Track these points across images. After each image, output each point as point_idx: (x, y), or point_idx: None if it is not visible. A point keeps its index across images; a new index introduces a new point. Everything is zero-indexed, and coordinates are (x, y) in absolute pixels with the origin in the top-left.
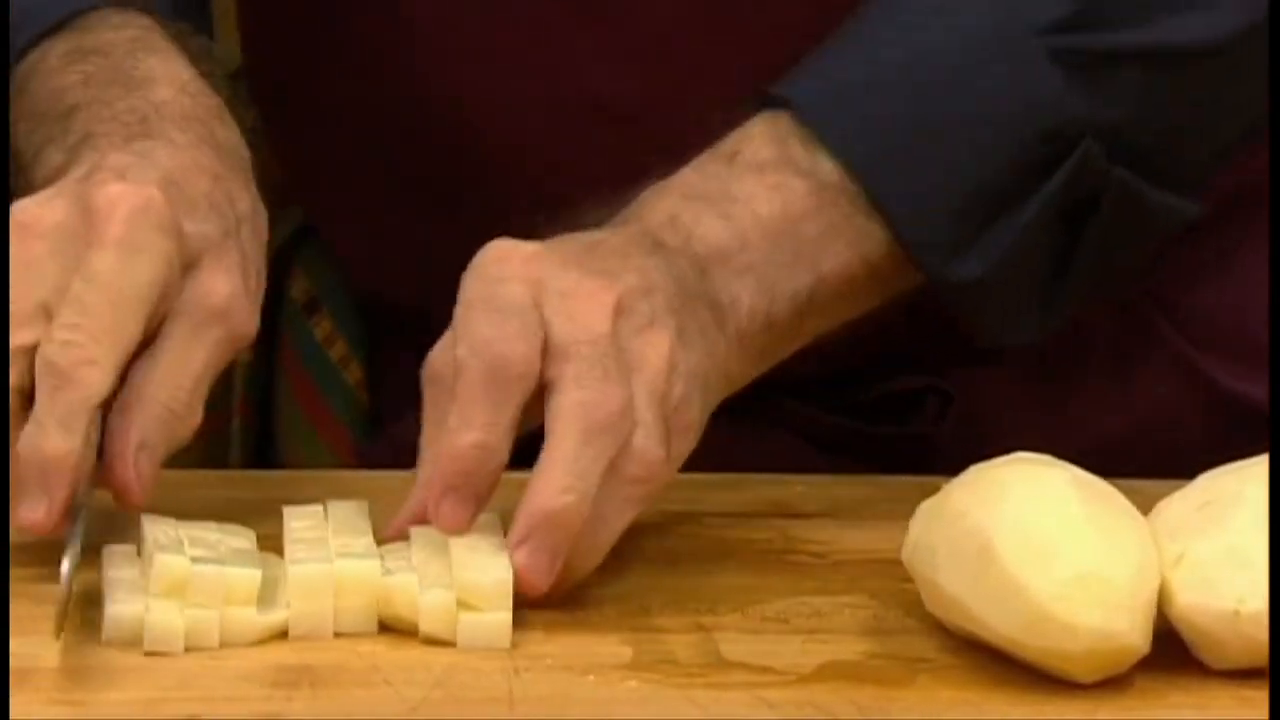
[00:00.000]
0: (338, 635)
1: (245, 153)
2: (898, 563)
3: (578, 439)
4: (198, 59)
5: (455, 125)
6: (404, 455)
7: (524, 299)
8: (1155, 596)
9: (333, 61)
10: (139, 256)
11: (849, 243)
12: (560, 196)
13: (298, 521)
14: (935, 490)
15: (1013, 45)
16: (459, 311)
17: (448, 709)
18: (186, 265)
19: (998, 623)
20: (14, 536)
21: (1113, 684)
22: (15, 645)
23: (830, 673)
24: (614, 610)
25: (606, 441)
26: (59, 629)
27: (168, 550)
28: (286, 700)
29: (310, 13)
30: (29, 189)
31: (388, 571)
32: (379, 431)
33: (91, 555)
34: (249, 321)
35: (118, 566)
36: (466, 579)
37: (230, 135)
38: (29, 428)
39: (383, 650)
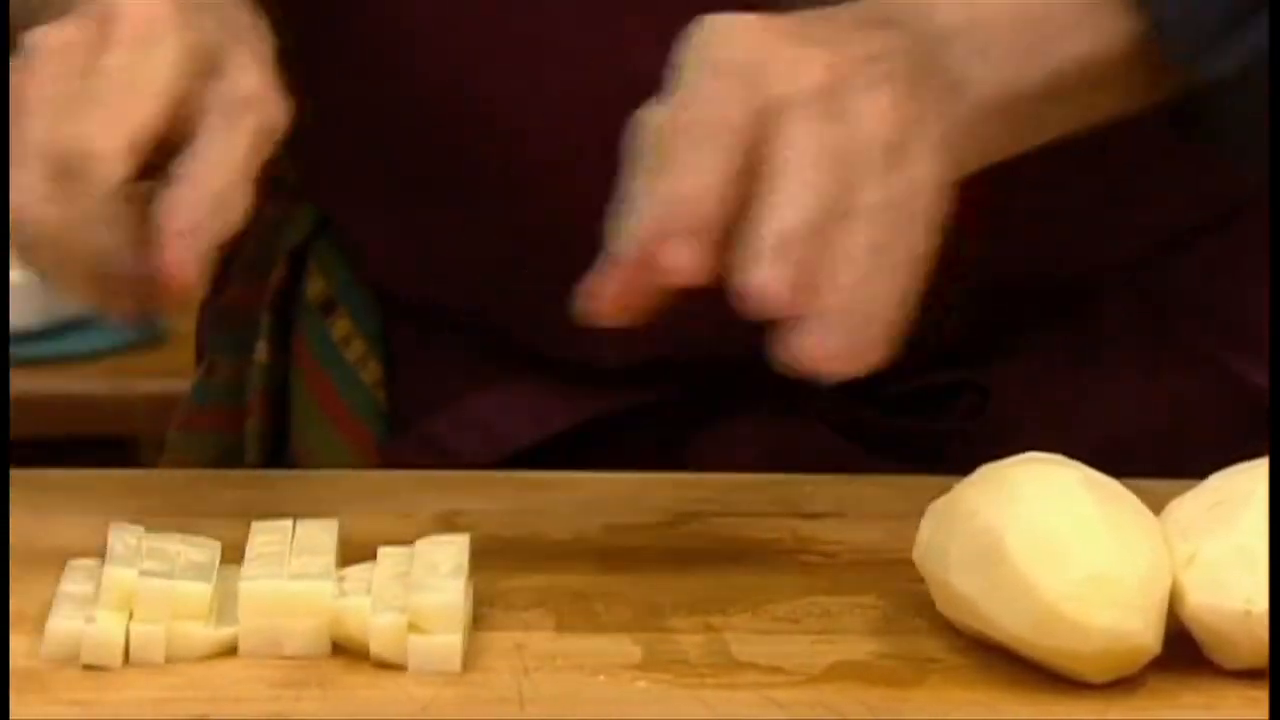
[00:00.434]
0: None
1: None
2: (909, 563)
3: (808, 166)
4: None
5: (472, 116)
6: (427, 451)
7: (745, 60)
8: (1167, 597)
9: (346, 52)
10: (155, 49)
11: (1096, 32)
12: (580, 187)
13: (262, 536)
14: (946, 489)
15: None
16: (678, 76)
17: (458, 709)
18: (208, 67)
19: (1009, 623)
20: (14, 537)
21: (1124, 684)
22: (15, 645)
23: (841, 673)
24: (624, 610)
25: (837, 170)
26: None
27: (120, 563)
28: (295, 700)
29: (322, 4)
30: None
31: (342, 594)
32: (398, 429)
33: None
34: (279, 112)
35: (75, 582)
36: (418, 600)
37: None
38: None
39: None
